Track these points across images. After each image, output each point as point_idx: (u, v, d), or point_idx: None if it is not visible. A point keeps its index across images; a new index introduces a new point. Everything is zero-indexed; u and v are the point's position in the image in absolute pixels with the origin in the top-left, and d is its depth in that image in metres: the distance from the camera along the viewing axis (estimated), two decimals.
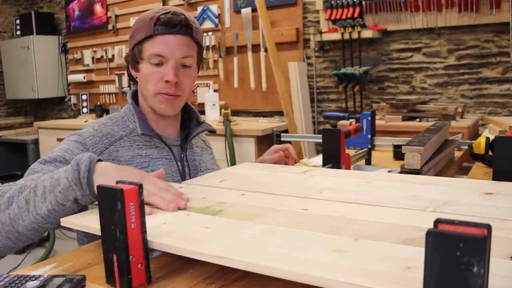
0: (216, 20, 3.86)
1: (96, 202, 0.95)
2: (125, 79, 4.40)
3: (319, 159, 1.56)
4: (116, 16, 4.52)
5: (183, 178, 1.24)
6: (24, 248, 3.65)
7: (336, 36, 3.21)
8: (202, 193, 0.98)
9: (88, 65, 4.78)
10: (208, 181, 1.10)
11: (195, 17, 3.90)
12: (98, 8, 4.66)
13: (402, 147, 1.25)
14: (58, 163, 1.07)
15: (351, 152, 1.47)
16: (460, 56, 2.94)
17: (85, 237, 1.16)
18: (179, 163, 1.24)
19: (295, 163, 1.44)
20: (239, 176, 1.16)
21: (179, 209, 0.84)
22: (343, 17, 3.13)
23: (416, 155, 1.22)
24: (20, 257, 3.52)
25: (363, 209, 0.82)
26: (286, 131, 3.21)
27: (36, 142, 4.32)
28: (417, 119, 2.62)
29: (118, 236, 0.63)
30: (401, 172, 1.24)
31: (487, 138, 1.50)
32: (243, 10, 3.66)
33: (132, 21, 4.34)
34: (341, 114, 2.23)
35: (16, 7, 5.46)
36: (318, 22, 3.39)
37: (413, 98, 3.11)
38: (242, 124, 3.27)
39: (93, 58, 4.74)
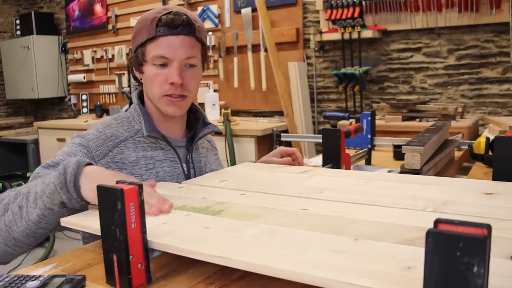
0: (216, 20, 3.86)
1: (89, 205, 0.95)
2: (125, 79, 4.40)
3: (319, 159, 1.56)
4: (116, 16, 4.51)
5: (188, 179, 1.24)
6: None
7: (336, 36, 3.21)
8: (202, 193, 0.98)
9: (88, 65, 4.78)
10: (208, 181, 1.10)
11: None
12: (98, 8, 4.66)
13: (402, 147, 1.25)
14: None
15: (351, 152, 1.47)
16: (460, 56, 2.94)
17: (91, 236, 1.15)
18: (184, 165, 1.23)
19: None
20: (239, 176, 1.16)
21: (162, 212, 0.83)
22: (343, 17, 3.13)
23: (416, 155, 1.22)
24: (20, 257, 3.50)
25: (363, 209, 0.82)
26: (286, 131, 3.21)
27: (36, 142, 4.32)
28: (417, 119, 2.62)
29: (118, 236, 0.63)
30: (401, 172, 1.25)
31: (487, 138, 1.50)
32: (243, 10, 3.66)
33: (132, 21, 4.34)
34: (341, 114, 2.23)
35: (16, 7, 5.46)
36: (318, 22, 3.39)
37: (413, 98, 3.11)
38: (242, 124, 3.27)
39: (93, 58, 4.74)
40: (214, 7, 3.85)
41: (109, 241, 0.65)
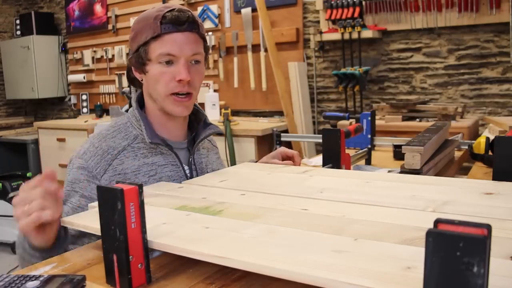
0: (216, 20, 3.86)
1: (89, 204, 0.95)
2: (125, 79, 4.39)
3: (319, 159, 1.56)
4: (116, 16, 4.52)
5: None
6: None
7: (336, 36, 3.21)
8: (202, 193, 0.98)
9: (88, 65, 4.78)
10: (208, 181, 1.10)
11: None
12: (98, 8, 4.66)
13: (402, 147, 1.25)
14: (71, 198, 1.10)
15: (351, 152, 1.47)
16: (460, 56, 2.94)
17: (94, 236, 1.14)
18: (186, 167, 1.22)
19: None
20: (239, 176, 1.16)
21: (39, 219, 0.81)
22: (343, 17, 3.13)
23: (416, 155, 1.22)
24: None
25: (363, 209, 0.82)
26: (286, 131, 3.21)
27: (36, 142, 4.32)
28: (417, 119, 2.62)
29: (118, 236, 0.63)
30: (401, 172, 1.24)
31: (487, 138, 1.50)
32: (243, 10, 3.66)
33: (132, 21, 4.34)
34: (341, 114, 2.23)
35: (16, 7, 5.46)
36: (318, 22, 3.39)
37: (413, 98, 3.11)
38: (242, 124, 3.27)
39: (93, 58, 4.75)
40: (214, 7, 3.85)
41: (109, 241, 0.65)
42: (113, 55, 4.57)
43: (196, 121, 1.30)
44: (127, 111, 1.27)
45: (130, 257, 0.64)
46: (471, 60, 2.91)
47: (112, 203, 0.63)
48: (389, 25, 3.07)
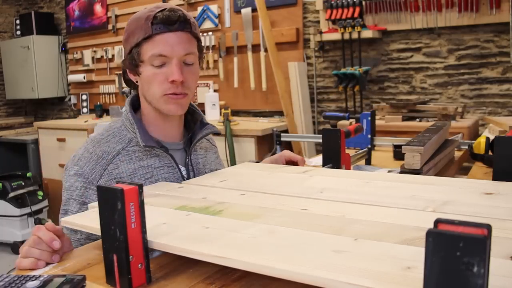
0: (216, 20, 3.86)
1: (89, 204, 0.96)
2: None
3: (319, 159, 1.56)
4: (116, 16, 4.51)
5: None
6: None
7: (336, 36, 3.21)
8: (202, 193, 0.98)
9: (88, 65, 4.78)
10: (208, 181, 1.10)
11: (194, 17, 3.92)
12: (98, 8, 4.66)
13: (402, 147, 1.25)
14: (71, 208, 1.11)
15: (351, 152, 1.47)
16: (460, 56, 2.94)
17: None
18: (183, 168, 1.21)
19: None
20: (239, 176, 1.16)
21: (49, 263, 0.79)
22: (343, 17, 3.13)
23: (416, 155, 1.22)
24: None
25: (363, 209, 0.82)
26: (286, 131, 3.21)
27: (36, 142, 4.32)
28: (417, 119, 2.62)
29: (118, 236, 0.63)
30: (401, 172, 1.24)
31: (487, 138, 1.50)
32: (243, 10, 3.66)
33: None
34: (341, 114, 2.23)
35: (16, 7, 5.46)
36: (318, 22, 3.39)
37: (413, 98, 3.11)
38: (242, 124, 3.27)
39: (93, 58, 4.74)
40: (214, 7, 3.85)
41: (109, 241, 0.65)
42: (113, 55, 4.57)
43: (193, 121, 1.29)
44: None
45: (130, 257, 0.64)
46: (471, 60, 2.91)
47: (112, 203, 0.63)
48: (389, 25, 3.07)
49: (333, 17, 3.19)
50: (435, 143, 1.42)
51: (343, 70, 3.15)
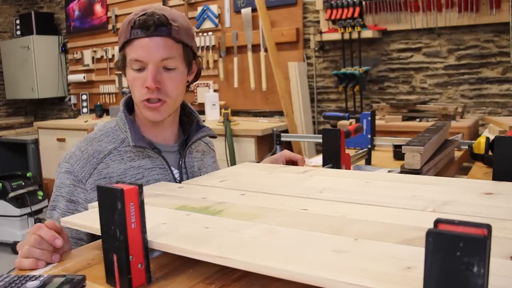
0: (216, 20, 3.86)
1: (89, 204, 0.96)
2: (125, 79, 4.39)
3: (319, 159, 1.56)
4: (116, 16, 4.52)
5: None
6: None
7: (336, 36, 3.21)
8: (202, 193, 0.98)
9: (88, 65, 4.78)
10: (208, 181, 1.10)
11: (194, 17, 3.92)
12: (98, 8, 4.66)
13: (402, 147, 1.25)
14: (59, 204, 1.11)
15: (351, 152, 1.47)
16: (460, 56, 2.94)
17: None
18: (175, 170, 1.20)
19: None
20: (239, 176, 1.16)
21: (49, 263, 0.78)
22: (343, 17, 3.13)
23: (416, 155, 1.22)
24: None
25: (363, 209, 0.82)
26: (286, 131, 3.21)
27: (36, 142, 4.32)
28: (417, 119, 2.62)
29: (118, 236, 0.63)
30: (401, 172, 1.24)
31: (487, 138, 1.50)
32: (243, 10, 3.66)
33: None
34: (341, 114, 2.23)
35: (16, 7, 5.46)
36: (318, 22, 3.39)
37: (413, 98, 3.11)
38: (242, 124, 3.27)
39: (93, 58, 4.75)
40: (214, 7, 3.85)
41: (109, 241, 0.65)
42: (113, 55, 4.57)
43: (189, 124, 1.27)
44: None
45: (130, 257, 0.64)
46: (471, 60, 2.91)
47: (112, 203, 0.63)
48: (389, 25, 3.07)
49: (333, 17, 3.19)
50: (435, 143, 1.42)
51: (343, 70, 3.15)
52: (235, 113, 3.66)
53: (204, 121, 2.75)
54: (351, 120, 2.45)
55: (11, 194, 3.74)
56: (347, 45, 3.19)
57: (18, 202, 3.75)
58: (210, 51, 3.89)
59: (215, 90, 3.79)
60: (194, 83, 1.31)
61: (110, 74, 4.64)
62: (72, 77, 4.93)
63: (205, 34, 3.88)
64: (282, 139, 2.36)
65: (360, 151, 1.64)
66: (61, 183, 1.13)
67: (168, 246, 0.68)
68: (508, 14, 2.67)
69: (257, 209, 0.84)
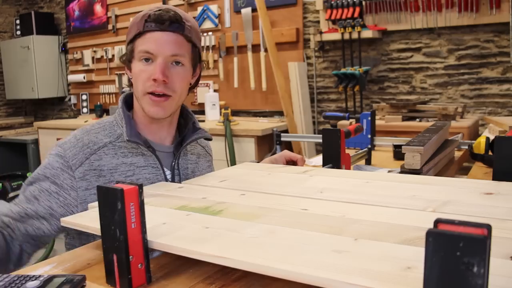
0: (216, 20, 3.86)
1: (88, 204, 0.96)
2: (125, 79, 4.40)
3: (319, 159, 1.56)
4: (116, 16, 4.52)
5: None
6: None
7: (336, 36, 3.21)
8: (202, 193, 0.98)
9: (88, 65, 4.78)
10: (208, 181, 1.10)
11: (194, 17, 3.92)
12: (98, 8, 4.66)
13: (402, 147, 1.25)
14: (41, 182, 1.09)
15: (351, 152, 1.47)
16: (460, 56, 2.94)
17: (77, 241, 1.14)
18: (168, 171, 1.19)
19: None
20: (239, 176, 1.16)
21: None
22: (343, 17, 3.13)
23: (416, 155, 1.22)
24: None
25: (363, 209, 0.82)
26: (286, 131, 3.21)
27: (36, 142, 4.32)
28: (417, 119, 2.62)
29: (118, 236, 0.63)
30: (401, 172, 1.24)
31: (487, 138, 1.50)
32: (243, 10, 3.66)
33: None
34: (341, 114, 2.23)
35: (16, 7, 5.46)
36: (318, 22, 3.39)
37: (413, 98, 3.11)
38: (242, 124, 3.27)
39: (93, 58, 4.75)
40: (214, 7, 3.85)
41: (109, 241, 0.65)
42: (113, 55, 4.57)
43: (185, 125, 1.27)
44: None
45: (130, 257, 0.64)
46: (471, 60, 2.91)
47: (112, 203, 0.63)
48: (389, 25, 3.08)
49: (333, 17, 3.19)
50: (435, 143, 1.42)
51: (343, 70, 3.15)
52: (235, 113, 3.67)
53: (204, 121, 2.75)
54: (351, 120, 2.45)
55: (11, 194, 3.74)
56: (347, 45, 3.19)
57: None
58: (210, 51, 3.89)
59: (215, 90, 3.79)
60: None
61: (110, 74, 4.64)
62: (72, 77, 4.93)
63: (205, 34, 3.88)
64: (282, 139, 2.36)
65: (360, 151, 1.63)
66: (49, 164, 1.11)
67: (168, 246, 0.68)
68: (508, 14, 2.67)
69: (257, 209, 0.84)
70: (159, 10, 1.11)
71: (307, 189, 0.98)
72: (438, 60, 3.01)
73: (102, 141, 1.15)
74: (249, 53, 3.65)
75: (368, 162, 1.63)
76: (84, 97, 4.82)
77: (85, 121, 4.01)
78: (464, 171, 1.66)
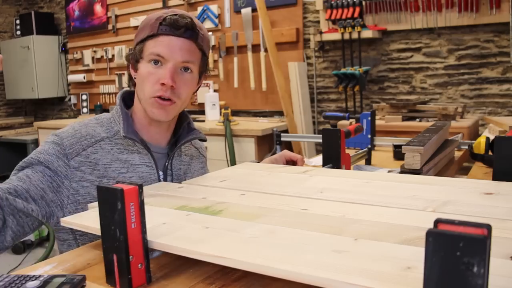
0: (216, 20, 3.86)
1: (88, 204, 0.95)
2: (125, 79, 4.40)
3: (319, 159, 1.56)
4: (116, 16, 4.52)
5: None
6: (24, 248, 3.65)
7: (336, 36, 3.21)
8: (202, 193, 0.98)
9: (88, 65, 4.78)
10: (208, 181, 1.10)
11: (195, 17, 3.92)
12: (98, 8, 4.66)
13: (402, 147, 1.25)
14: (34, 166, 1.07)
15: (351, 152, 1.47)
16: (460, 56, 2.94)
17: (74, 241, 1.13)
18: (160, 172, 1.19)
19: None
20: (239, 176, 1.16)
21: None
22: (343, 17, 3.13)
23: (416, 155, 1.22)
24: (20, 257, 3.52)
25: (363, 209, 0.82)
26: (286, 131, 3.21)
27: (36, 142, 4.32)
28: (417, 119, 2.62)
29: (118, 236, 0.63)
30: (401, 172, 1.25)
31: (487, 138, 1.50)
32: (243, 10, 3.66)
33: (132, 21, 4.35)
34: (341, 114, 2.23)
35: (16, 7, 5.46)
36: (318, 22, 3.39)
37: (413, 98, 3.11)
38: (242, 124, 3.27)
39: (93, 58, 4.75)
40: (214, 7, 3.85)
41: (109, 241, 0.65)
42: (113, 55, 4.57)
43: (180, 126, 1.26)
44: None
45: (130, 257, 0.64)
46: (471, 60, 2.91)
47: (112, 203, 0.63)
48: (389, 25, 3.08)
49: (333, 17, 3.19)
50: (435, 143, 1.42)
51: (343, 70, 3.15)
52: (235, 113, 3.67)
53: (204, 121, 2.75)
54: (351, 120, 2.45)
55: None
56: (347, 45, 3.19)
57: None
58: (210, 51, 3.89)
59: (215, 90, 3.79)
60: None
61: (110, 74, 4.64)
62: (72, 77, 4.93)
63: None
64: (282, 139, 2.36)
65: (360, 151, 1.63)
66: (44, 150, 1.09)
67: (168, 246, 0.68)
68: (508, 14, 2.67)
69: (257, 209, 0.84)
70: (175, 14, 1.11)
71: (307, 189, 0.98)
72: (438, 60, 3.01)
73: (99, 135, 1.15)
74: (249, 53, 3.65)
75: (368, 162, 1.63)
76: (84, 97, 4.82)
77: None
78: (464, 171, 1.66)
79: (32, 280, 0.65)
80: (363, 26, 3.09)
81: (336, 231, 0.69)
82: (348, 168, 1.35)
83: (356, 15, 3.10)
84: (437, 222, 0.43)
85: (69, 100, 5.11)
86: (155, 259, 0.76)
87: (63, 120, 4.71)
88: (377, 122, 1.97)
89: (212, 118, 3.47)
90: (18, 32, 5.12)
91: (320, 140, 1.43)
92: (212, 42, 3.88)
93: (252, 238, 0.68)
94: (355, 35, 3.11)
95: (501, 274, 0.51)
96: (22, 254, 3.58)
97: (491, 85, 2.87)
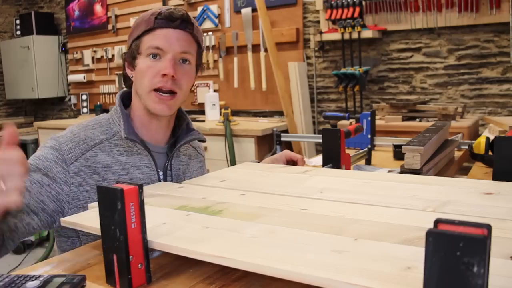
0: (216, 20, 3.86)
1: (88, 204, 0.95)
2: (121, 79, 4.40)
3: (319, 159, 1.56)
4: (116, 16, 4.52)
5: None
6: (24, 248, 3.65)
7: (336, 36, 3.21)
8: (202, 193, 0.98)
9: (88, 65, 4.78)
10: (208, 181, 1.10)
11: (194, 17, 3.92)
12: (98, 8, 4.66)
13: (402, 147, 1.25)
14: (32, 174, 1.06)
15: (351, 152, 1.47)
16: (460, 56, 2.94)
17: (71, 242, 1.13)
18: (160, 172, 1.19)
19: None
20: (239, 176, 1.16)
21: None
22: (343, 17, 3.13)
23: (416, 155, 1.22)
24: (20, 257, 3.52)
25: (363, 209, 0.82)
26: (286, 131, 3.21)
27: (36, 142, 4.32)
28: (417, 119, 2.62)
29: (118, 236, 0.63)
30: (401, 172, 1.25)
31: (487, 138, 1.50)
32: (243, 10, 3.66)
33: (132, 21, 4.35)
34: (341, 114, 2.23)
35: (16, 7, 5.46)
36: (318, 22, 3.39)
37: (413, 98, 3.11)
38: (242, 124, 3.27)
39: (93, 58, 4.75)
40: (214, 7, 3.85)
41: (109, 241, 0.65)
42: (113, 55, 4.57)
43: (179, 126, 1.26)
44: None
45: (130, 257, 0.64)
46: (471, 60, 2.91)
47: (112, 203, 0.63)
48: (389, 25, 3.08)
49: (333, 17, 3.19)
50: (435, 143, 1.42)
51: (343, 70, 3.15)
52: (235, 113, 3.67)
53: (204, 121, 2.75)
54: (351, 120, 2.45)
55: None
56: (347, 45, 3.19)
57: None
58: (210, 51, 3.89)
59: (215, 90, 3.79)
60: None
61: (110, 74, 4.64)
62: (72, 77, 4.93)
63: (205, 34, 3.87)
64: (282, 139, 2.36)
65: (360, 151, 1.63)
66: (42, 155, 1.09)
67: (168, 246, 0.68)
68: (508, 14, 2.67)
69: (257, 209, 0.84)
70: (169, 8, 1.13)
71: (307, 189, 0.98)
72: (438, 60, 3.01)
73: (98, 137, 1.14)
74: (249, 53, 3.65)
75: (368, 162, 1.63)
76: (84, 97, 4.82)
77: None
78: (464, 171, 1.66)
79: (32, 280, 0.65)
80: (363, 26, 3.09)
81: (336, 231, 0.69)
82: (348, 168, 1.35)
83: (356, 15, 3.10)
84: (437, 222, 0.43)
85: (69, 100, 5.11)
86: (155, 259, 0.76)
87: (63, 120, 4.72)
88: (377, 122, 1.97)
89: (212, 118, 3.47)
90: (18, 32, 5.12)
91: (320, 140, 1.43)
92: (212, 42, 3.88)
93: (252, 238, 0.68)
94: (355, 35, 3.11)
95: (501, 274, 0.51)
96: (22, 254, 3.58)
97: (491, 85, 2.87)
